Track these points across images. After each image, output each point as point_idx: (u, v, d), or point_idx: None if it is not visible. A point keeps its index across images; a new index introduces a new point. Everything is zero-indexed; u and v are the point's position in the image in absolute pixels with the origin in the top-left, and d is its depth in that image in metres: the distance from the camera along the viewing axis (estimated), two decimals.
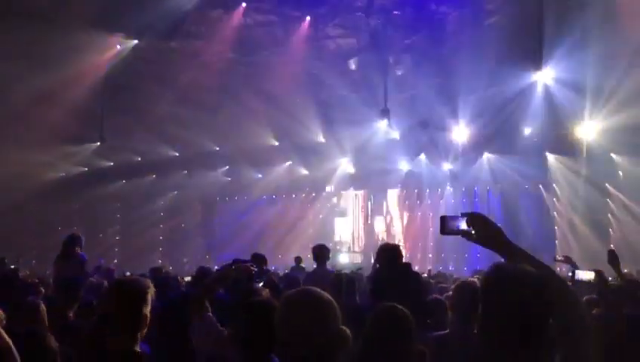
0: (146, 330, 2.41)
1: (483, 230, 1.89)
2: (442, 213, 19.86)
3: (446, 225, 2.00)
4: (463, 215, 1.95)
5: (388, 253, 4.87)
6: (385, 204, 22.35)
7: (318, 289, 2.03)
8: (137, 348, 2.37)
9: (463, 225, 1.94)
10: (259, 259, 4.68)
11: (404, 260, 5.18)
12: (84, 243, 7.09)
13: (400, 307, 2.76)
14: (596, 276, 4.77)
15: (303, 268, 11.06)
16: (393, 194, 22.18)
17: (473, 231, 1.91)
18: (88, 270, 7.03)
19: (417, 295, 4.59)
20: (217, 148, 20.98)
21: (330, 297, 1.99)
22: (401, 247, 5.10)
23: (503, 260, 1.76)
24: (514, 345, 1.52)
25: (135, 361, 2.36)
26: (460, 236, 1.96)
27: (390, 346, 2.60)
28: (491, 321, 1.59)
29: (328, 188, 22.96)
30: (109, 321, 2.37)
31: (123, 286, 2.48)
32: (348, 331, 1.92)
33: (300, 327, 1.89)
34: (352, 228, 22.78)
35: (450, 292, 4.32)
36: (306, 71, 16.68)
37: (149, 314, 2.39)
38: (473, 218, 1.92)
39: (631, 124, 14.18)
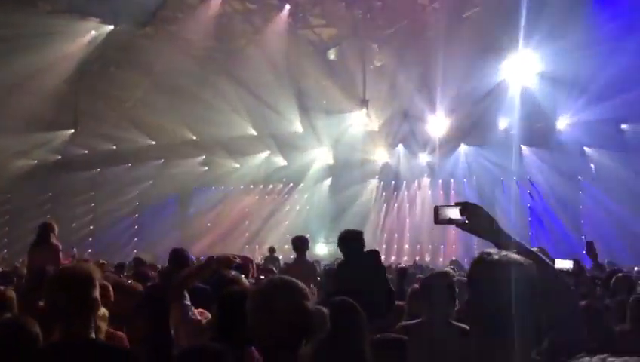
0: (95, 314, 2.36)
1: (476, 219, 1.90)
2: (419, 204, 20.17)
3: (439, 215, 2.01)
4: (457, 204, 1.95)
5: (351, 243, 4.82)
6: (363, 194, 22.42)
7: (290, 277, 2.09)
8: (92, 335, 2.29)
9: (457, 215, 1.94)
10: (245, 259, 4.65)
11: (379, 251, 5.18)
12: (57, 233, 7.00)
13: (348, 299, 2.68)
14: (575, 265, 4.91)
15: (277, 259, 11.07)
16: (371, 186, 22.25)
17: (467, 221, 1.92)
18: (62, 259, 6.92)
19: (381, 287, 4.60)
20: (194, 137, 20.78)
21: (301, 283, 2.05)
22: (362, 233, 5.00)
23: (479, 250, 1.79)
24: (502, 332, 1.55)
25: (91, 349, 2.27)
26: (445, 226, 1.98)
27: (339, 341, 2.50)
28: (479, 309, 1.61)
29: (305, 180, 22.96)
30: (57, 312, 2.27)
31: (68, 272, 2.38)
32: (324, 310, 1.97)
33: (275, 312, 1.92)
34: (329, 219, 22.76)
35: None
36: (284, 60, 16.60)
37: (99, 298, 2.31)
38: (467, 207, 1.93)
39: (603, 118, 14.50)
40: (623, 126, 15.47)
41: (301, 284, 2.04)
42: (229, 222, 21.71)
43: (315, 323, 1.99)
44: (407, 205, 20.95)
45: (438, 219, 2.01)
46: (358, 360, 2.51)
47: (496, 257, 1.63)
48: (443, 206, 2.02)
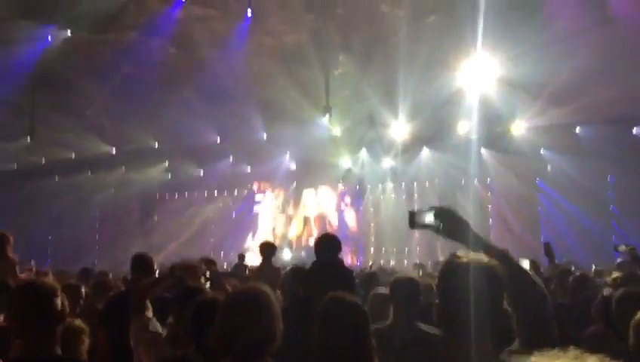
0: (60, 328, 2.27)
1: (450, 223, 1.92)
2: (383, 208, 20.33)
3: (415, 220, 2.01)
4: (431, 208, 1.97)
5: (325, 246, 4.76)
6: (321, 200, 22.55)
7: (261, 287, 2.09)
8: (57, 350, 2.20)
9: (431, 219, 1.96)
10: (208, 263, 4.53)
11: (345, 256, 5.16)
12: (14, 244, 6.71)
13: (350, 297, 2.53)
14: (531, 265, 5.01)
15: (246, 266, 10.97)
16: (334, 190, 22.37)
17: (441, 225, 1.93)
18: (20, 272, 6.63)
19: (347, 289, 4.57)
20: (156, 145, 20.44)
21: (269, 296, 2.06)
22: (338, 239, 4.96)
23: (443, 253, 1.80)
24: (470, 334, 1.55)
25: None
26: (408, 229, 1.99)
27: (346, 343, 2.33)
28: (448, 311, 1.62)
29: (270, 186, 22.94)
30: (19, 327, 2.20)
31: (28, 286, 2.33)
32: (279, 329, 1.99)
33: (234, 324, 1.97)
34: (291, 226, 22.77)
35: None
36: (247, 67, 16.49)
37: (62, 314, 2.26)
38: (441, 212, 1.95)
39: (558, 122, 14.94)
40: (577, 129, 15.95)
41: (266, 295, 2.05)
42: (193, 230, 21.42)
43: (271, 333, 2.02)
44: (372, 209, 21.11)
45: (414, 223, 2.01)
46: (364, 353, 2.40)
47: (465, 260, 1.64)
48: (418, 211, 2.02)
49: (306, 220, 22.50)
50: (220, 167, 21.41)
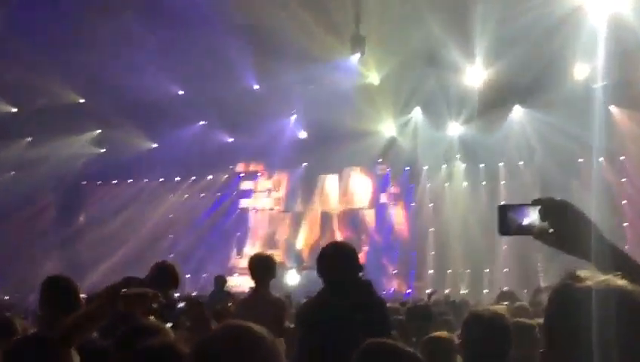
0: None
1: (567, 226, 1.92)
2: (448, 203, 20.29)
3: (508, 220, 2.02)
4: (535, 202, 1.96)
5: (333, 262, 4.73)
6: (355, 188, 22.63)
7: (252, 329, 2.11)
8: None
9: (534, 219, 1.96)
10: (166, 277, 4.54)
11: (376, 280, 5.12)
12: None
13: (399, 346, 2.57)
14: None
15: (229, 294, 11.10)
16: (369, 174, 22.42)
17: (551, 229, 1.92)
18: None
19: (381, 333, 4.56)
20: (82, 101, 20.62)
21: (265, 343, 2.08)
22: (355, 251, 4.92)
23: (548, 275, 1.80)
24: None
25: None
26: (492, 238, 2.00)
27: None
28: (560, 359, 1.63)
29: (264, 166, 23.05)
30: None
31: None
32: None
33: None
34: (301, 230, 22.91)
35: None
36: None
37: None
38: (552, 207, 1.94)
39: None
40: None
41: (266, 334, 2.06)
42: (141, 237, 21.60)
43: None
44: (431, 204, 21.10)
45: (507, 226, 2.01)
46: None
47: (587, 283, 1.63)
48: (513, 206, 2.03)
49: (324, 220, 22.62)
50: (183, 138, 21.55)
